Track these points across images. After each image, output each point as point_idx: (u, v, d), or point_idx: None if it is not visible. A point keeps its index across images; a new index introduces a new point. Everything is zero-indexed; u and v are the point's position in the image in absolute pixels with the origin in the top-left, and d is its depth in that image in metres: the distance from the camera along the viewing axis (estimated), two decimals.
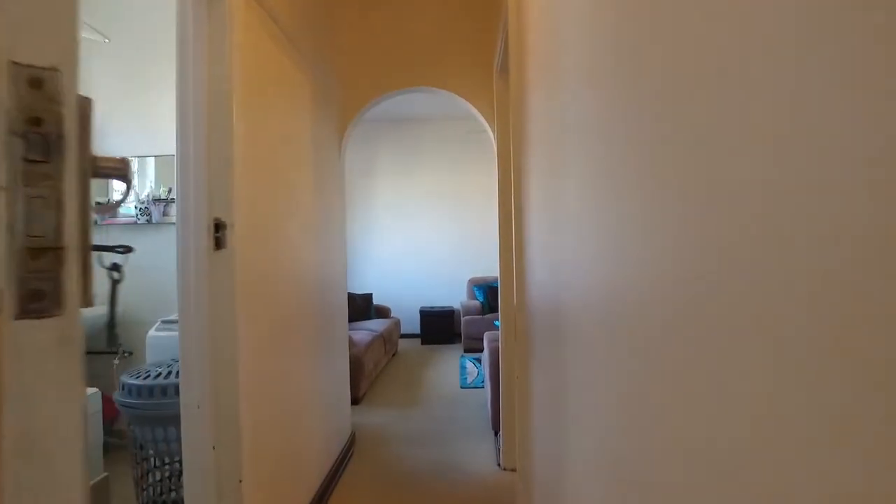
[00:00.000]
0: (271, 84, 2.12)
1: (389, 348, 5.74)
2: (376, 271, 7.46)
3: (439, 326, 6.92)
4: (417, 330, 7.10)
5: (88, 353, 2.20)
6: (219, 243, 1.69)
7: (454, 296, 7.27)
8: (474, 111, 3.29)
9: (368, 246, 7.48)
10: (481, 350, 6.00)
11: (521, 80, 1.97)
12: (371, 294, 6.61)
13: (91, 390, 2.54)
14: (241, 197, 1.76)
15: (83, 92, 0.56)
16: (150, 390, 2.03)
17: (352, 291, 6.60)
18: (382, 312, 6.62)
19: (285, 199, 2.25)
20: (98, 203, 3.28)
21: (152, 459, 2.09)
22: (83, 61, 0.54)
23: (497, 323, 4.28)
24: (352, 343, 4.41)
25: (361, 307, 6.35)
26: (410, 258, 7.43)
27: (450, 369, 5.45)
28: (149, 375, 2.11)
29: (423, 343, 6.90)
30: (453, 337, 6.93)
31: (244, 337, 1.76)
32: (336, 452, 2.99)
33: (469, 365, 5.46)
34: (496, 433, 3.42)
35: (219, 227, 1.69)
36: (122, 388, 2.08)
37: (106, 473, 2.63)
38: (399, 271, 7.43)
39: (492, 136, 3.28)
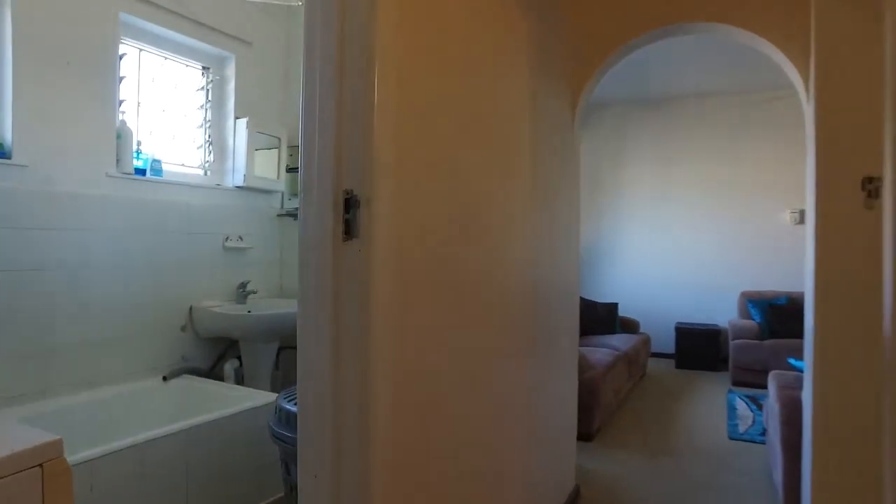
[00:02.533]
0: (456, 10, 1.49)
1: (635, 371, 4.77)
2: (624, 277, 6.46)
3: (700, 348, 5.65)
4: (671, 349, 5.92)
5: (289, 348, 1.64)
6: (349, 229, 1.11)
7: (720, 312, 5.89)
8: (773, 51, 2.22)
9: (615, 247, 6.53)
10: (758, 386, 4.63)
11: None
12: (616, 304, 5.66)
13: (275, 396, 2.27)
14: (389, 161, 1.17)
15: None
16: None
17: (592, 299, 5.77)
18: (629, 326, 5.63)
19: (478, 173, 1.60)
20: None
21: None
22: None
23: (796, 362, 3.05)
24: (586, 364, 3.62)
25: (604, 319, 5.47)
26: (666, 263, 6.25)
27: (713, 406, 4.26)
28: None
29: (677, 366, 5.71)
30: (717, 363, 5.59)
31: (389, 371, 1.16)
32: None
33: (741, 406, 4.18)
34: None
35: (350, 203, 1.11)
36: (276, 412, 1.68)
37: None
38: (651, 278, 6.31)
39: (802, 94, 2.18)
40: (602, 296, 6.36)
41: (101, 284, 2.45)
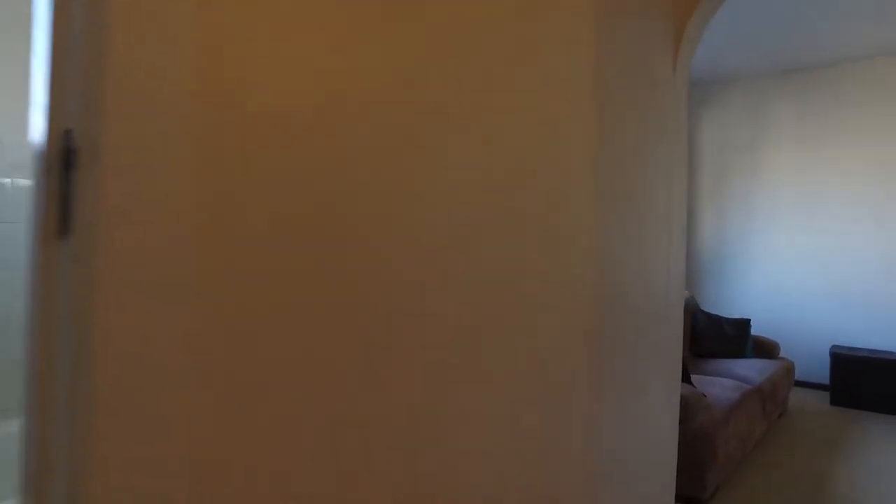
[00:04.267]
0: None
1: (771, 409, 3.74)
2: (758, 288, 5.33)
3: (867, 381, 4.40)
4: (824, 379, 4.74)
5: None
6: (67, 215, 0.54)
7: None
8: None
9: (747, 252, 5.41)
10: None
11: None
12: (748, 320, 4.58)
13: None
14: (164, 62, 0.57)
15: None
16: None
17: (717, 314, 4.76)
18: (765, 349, 4.53)
19: (439, 114, 0.96)
20: None
21: None
22: None
23: None
24: (698, 403, 2.77)
25: (731, 339, 4.44)
26: (818, 271, 5.03)
27: (894, 466, 3.15)
28: None
29: (832, 402, 4.51)
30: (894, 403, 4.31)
31: None
32: None
33: None
34: None
35: (71, 159, 0.54)
36: None
37: None
38: (796, 290, 5.13)
39: None
40: (730, 310, 5.28)
41: None
